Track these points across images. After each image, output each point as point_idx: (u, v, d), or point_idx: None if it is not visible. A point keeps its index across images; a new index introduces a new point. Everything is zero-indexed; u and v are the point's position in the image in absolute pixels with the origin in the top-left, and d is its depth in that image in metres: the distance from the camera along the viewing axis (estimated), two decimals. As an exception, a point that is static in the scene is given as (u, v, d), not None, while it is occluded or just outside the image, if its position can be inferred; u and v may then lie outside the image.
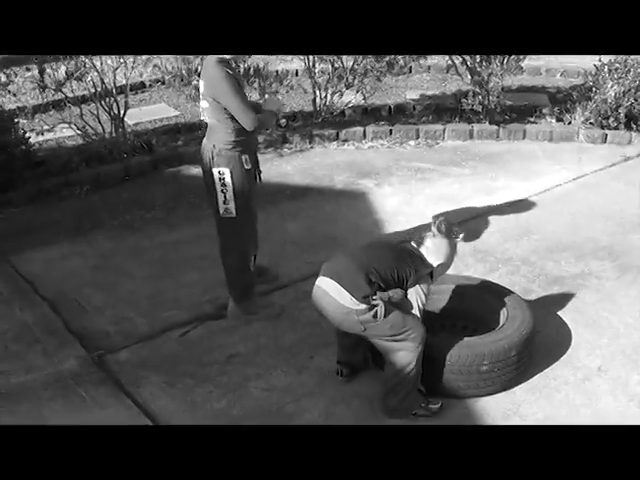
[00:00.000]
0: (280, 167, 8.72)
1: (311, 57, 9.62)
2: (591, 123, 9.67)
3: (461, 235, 5.04)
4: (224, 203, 5.49)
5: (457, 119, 9.91)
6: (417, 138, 9.57)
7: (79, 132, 8.86)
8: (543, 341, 5.44)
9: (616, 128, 9.57)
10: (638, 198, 7.83)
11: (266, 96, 5.70)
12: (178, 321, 5.85)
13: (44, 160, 8.70)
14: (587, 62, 10.60)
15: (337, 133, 9.51)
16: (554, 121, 10.02)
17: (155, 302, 6.13)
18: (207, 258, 6.64)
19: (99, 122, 8.82)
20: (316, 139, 9.46)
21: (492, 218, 7.42)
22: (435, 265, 4.80)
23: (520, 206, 7.64)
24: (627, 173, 8.61)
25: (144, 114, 10.39)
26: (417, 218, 7.13)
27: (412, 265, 4.70)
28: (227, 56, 5.32)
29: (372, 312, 4.52)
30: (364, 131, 9.59)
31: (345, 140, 9.48)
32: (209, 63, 5.35)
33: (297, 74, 11.69)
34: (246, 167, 5.47)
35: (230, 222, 5.57)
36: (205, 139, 5.58)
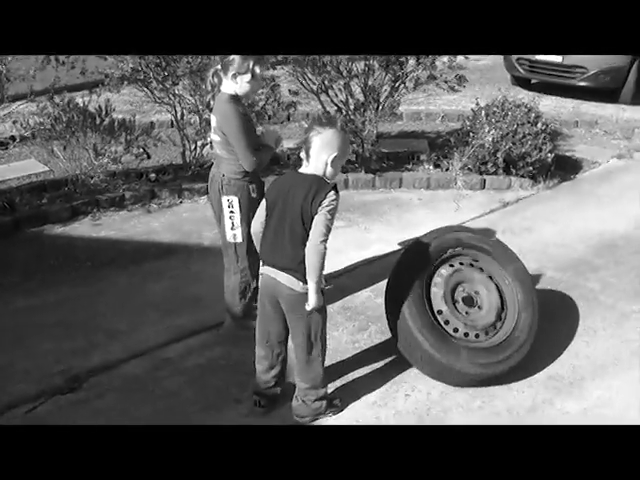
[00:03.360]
0: (147, 224, 8.40)
1: (179, 109, 9.37)
2: (469, 169, 9.61)
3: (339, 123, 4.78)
4: (232, 229, 5.79)
5: (332, 169, 9.68)
6: (290, 188, 9.26)
7: None
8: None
9: (495, 173, 9.52)
10: (515, 246, 7.68)
11: (263, 128, 5.73)
12: (26, 396, 5.43)
13: None
14: (467, 106, 10.59)
15: (207, 187, 9.16)
16: (432, 168, 9.90)
17: (3, 375, 5.71)
18: (63, 325, 6.34)
19: (-47, 182, 8.41)
20: (185, 193, 9.18)
21: (363, 273, 7.20)
22: (328, 160, 4.65)
23: (393, 259, 7.38)
24: (505, 219, 8.54)
25: (11, 170, 9.98)
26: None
27: (310, 193, 4.62)
28: (238, 93, 5.57)
29: (319, 297, 4.71)
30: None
31: (215, 193, 9.15)
32: (221, 99, 5.59)
33: (173, 125, 11.44)
34: (253, 195, 5.69)
35: (236, 247, 5.85)
36: (214, 168, 5.90)
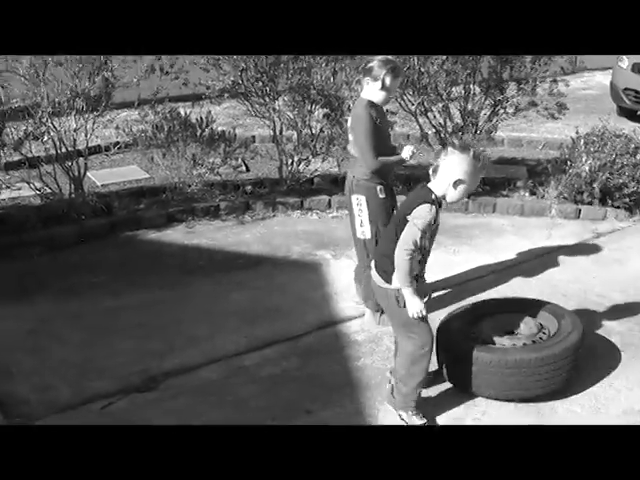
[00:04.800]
0: (239, 235, 8.56)
1: (278, 124, 9.48)
2: (565, 197, 9.46)
3: (484, 154, 5.15)
4: (360, 226, 6.23)
5: (427, 190, 9.67)
6: (384, 209, 9.31)
7: (37, 192, 8.72)
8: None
9: (590, 203, 9.34)
10: (604, 277, 7.60)
11: (402, 143, 6.17)
12: (103, 392, 5.60)
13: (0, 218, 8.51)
14: (569, 135, 10.47)
15: (301, 202, 9.35)
16: (527, 195, 9.81)
17: (84, 370, 5.90)
18: (146, 327, 6.51)
19: (56, 183, 8.72)
20: (279, 207, 9.28)
21: (445, 296, 7.14)
22: (451, 182, 4.79)
23: (479, 283, 7.39)
24: (597, 250, 8.37)
25: (113, 175, 10.29)
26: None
27: (409, 202, 4.93)
28: (376, 99, 6.04)
29: (396, 296, 4.96)
30: (329, 201, 9.39)
31: (309, 209, 9.30)
32: (358, 103, 6.17)
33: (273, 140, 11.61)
34: (380, 196, 6.13)
35: (365, 243, 6.26)
36: (348, 170, 6.46)
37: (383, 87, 5.96)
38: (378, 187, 6.12)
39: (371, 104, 6.03)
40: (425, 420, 5.22)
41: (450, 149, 4.81)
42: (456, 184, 4.79)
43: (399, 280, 4.89)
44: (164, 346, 6.22)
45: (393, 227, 5.02)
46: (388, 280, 5.02)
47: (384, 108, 6.47)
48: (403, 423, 5.21)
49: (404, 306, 4.98)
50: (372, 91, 6.03)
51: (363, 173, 6.11)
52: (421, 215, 4.75)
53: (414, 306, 4.92)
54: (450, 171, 4.77)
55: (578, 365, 5.59)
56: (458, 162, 4.76)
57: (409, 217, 4.79)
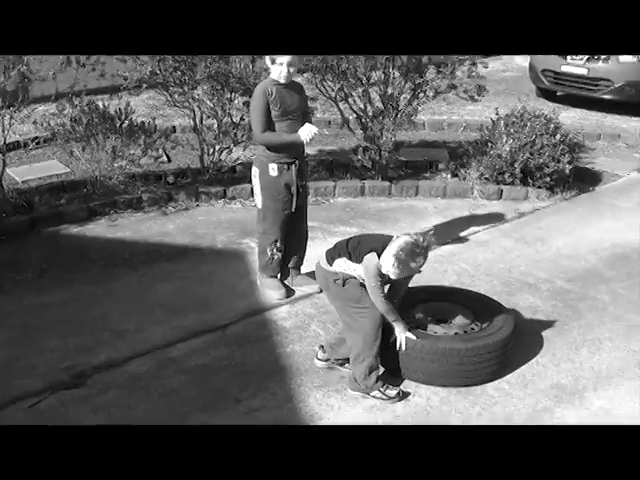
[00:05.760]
0: (162, 226, 8.48)
1: (198, 113, 9.41)
2: (486, 178, 9.57)
3: (421, 268, 5.31)
4: (254, 195, 6.77)
5: (349, 176, 9.73)
6: (307, 195, 9.32)
7: (-46, 192, 8.54)
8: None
9: (512, 183, 9.47)
10: (527, 256, 7.70)
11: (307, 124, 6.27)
12: (31, 390, 5.50)
13: None
14: (490, 116, 10.57)
15: (224, 191, 9.28)
16: (449, 177, 9.89)
17: (10, 369, 5.78)
18: (72, 322, 6.42)
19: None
20: (202, 197, 9.20)
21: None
22: (383, 262, 5.17)
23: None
24: (519, 230, 8.50)
25: (34, 171, 10.06)
26: (295, 279, 6.99)
27: (372, 247, 5.26)
28: (276, 77, 6.27)
29: (336, 276, 5.41)
30: (252, 189, 9.24)
31: (232, 198, 9.25)
32: (262, 82, 6.48)
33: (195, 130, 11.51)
34: (272, 174, 6.43)
35: (258, 211, 6.75)
36: None
37: (273, 62, 6.21)
38: (270, 165, 6.41)
39: (274, 82, 6.29)
40: (398, 389, 5.48)
41: (413, 242, 5.12)
42: (392, 267, 5.12)
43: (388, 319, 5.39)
44: (91, 341, 6.15)
45: (363, 241, 5.43)
46: (330, 263, 5.44)
47: (304, 91, 6.70)
48: (380, 402, 5.38)
49: (343, 285, 5.42)
50: (272, 71, 6.28)
51: (261, 149, 6.49)
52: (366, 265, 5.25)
53: (406, 339, 5.42)
54: (391, 255, 5.10)
55: (506, 360, 5.71)
56: (400, 254, 5.09)
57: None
